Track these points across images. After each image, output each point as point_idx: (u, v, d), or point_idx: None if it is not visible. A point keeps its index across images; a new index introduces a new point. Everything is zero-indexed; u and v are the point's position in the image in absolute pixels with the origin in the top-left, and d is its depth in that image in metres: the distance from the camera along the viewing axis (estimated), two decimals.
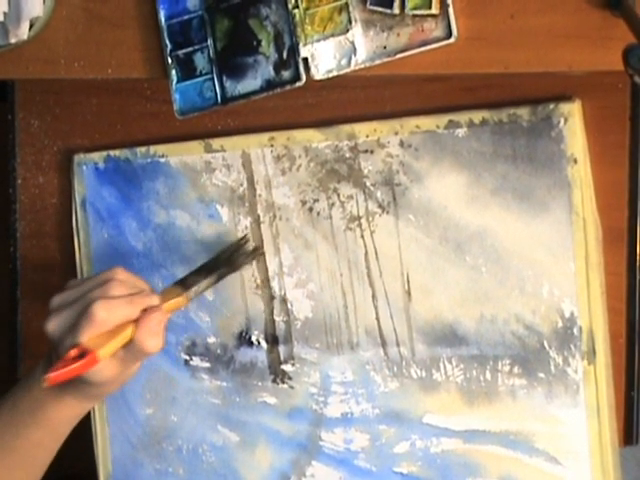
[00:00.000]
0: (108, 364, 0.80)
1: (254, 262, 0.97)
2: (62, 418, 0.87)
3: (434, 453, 0.93)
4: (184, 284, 0.87)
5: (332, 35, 0.89)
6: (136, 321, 0.80)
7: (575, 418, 0.87)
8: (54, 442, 0.90)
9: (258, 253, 0.96)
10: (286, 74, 0.91)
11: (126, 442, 1.05)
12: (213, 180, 0.98)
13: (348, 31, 0.89)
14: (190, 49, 0.94)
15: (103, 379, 0.80)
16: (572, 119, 0.85)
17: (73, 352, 0.77)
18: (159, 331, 0.81)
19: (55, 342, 0.80)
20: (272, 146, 0.95)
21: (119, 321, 0.80)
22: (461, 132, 0.89)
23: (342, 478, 0.96)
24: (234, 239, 0.96)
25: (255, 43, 0.92)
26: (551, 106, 0.86)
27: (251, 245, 0.95)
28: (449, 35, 0.86)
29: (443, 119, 0.89)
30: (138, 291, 0.82)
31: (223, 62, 0.93)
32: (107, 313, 0.79)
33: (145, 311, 0.81)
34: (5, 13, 0.94)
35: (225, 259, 0.92)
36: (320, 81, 0.90)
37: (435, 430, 0.92)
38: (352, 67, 0.89)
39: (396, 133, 0.91)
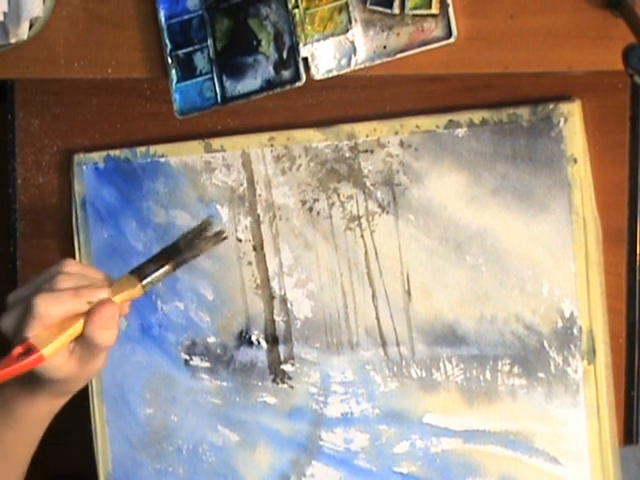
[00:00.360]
0: (65, 361, 0.78)
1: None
2: (34, 415, 0.86)
3: (434, 453, 0.93)
4: (140, 273, 0.82)
5: (332, 35, 0.89)
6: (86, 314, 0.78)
7: (575, 418, 0.87)
8: (30, 439, 0.89)
9: (220, 238, 0.87)
10: (286, 74, 0.91)
11: (126, 442, 1.05)
12: (213, 180, 0.98)
13: (348, 31, 0.89)
14: (190, 49, 0.95)
15: (63, 375, 0.79)
16: (572, 119, 0.85)
17: (18, 350, 0.76)
18: (111, 324, 0.79)
19: (9, 339, 0.79)
20: (272, 146, 0.95)
21: (63, 315, 0.77)
22: (461, 132, 0.89)
23: (342, 478, 0.96)
24: (195, 224, 0.88)
25: (255, 43, 0.92)
26: (551, 106, 0.86)
27: (213, 229, 0.87)
28: (449, 35, 0.86)
29: (443, 119, 0.89)
30: (88, 283, 0.80)
31: (223, 62, 0.93)
32: (48, 307, 0.76)
33: (95, 304, 0.78)
34: (5, 13, 0.94)
35: (185, 245, 0.85)
36: (320, 81, 0.90)
37: (435, 430, 0.92)
38: (352, 67, 0.89)
39: (396, 133, 0.91)
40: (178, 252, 0.84)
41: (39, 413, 0.87)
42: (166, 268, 0.82)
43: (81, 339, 0.78)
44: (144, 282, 0.81)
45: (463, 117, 0.89)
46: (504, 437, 0.90)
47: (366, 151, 0.92)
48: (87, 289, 0.79)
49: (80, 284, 0.79)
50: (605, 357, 0.87)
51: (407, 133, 0.91)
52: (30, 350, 0.76)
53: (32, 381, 0.82)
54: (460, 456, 0.92)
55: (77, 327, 0.78)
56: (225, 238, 0.87)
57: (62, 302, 0.77)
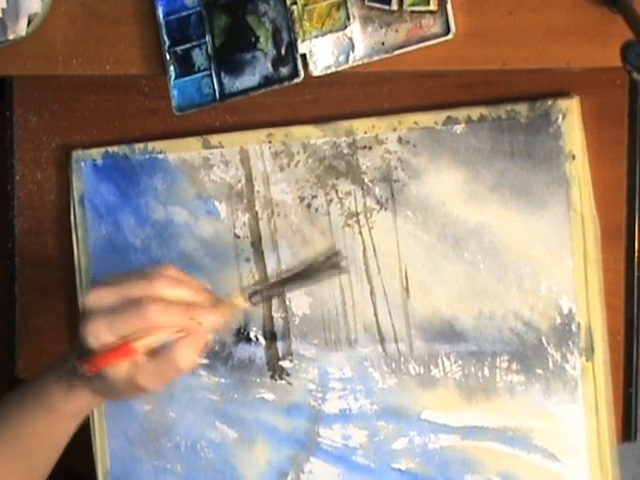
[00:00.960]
0: (125, 366, 0.77)
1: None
2: (70, 410, 0.85)
3: (432, 449, 0.93)
4: (249, 291, 0.81)
5: (330, 31, 0.89)
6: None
7: (573, 415, 0.87)
8: (58, 436, 0.89)
9: (337, 271, 0.84)
10: (284, 70, 0.91)
11: (124, 438, 1.05)
12: (211, 176, 0.98)
13: (346, 27, 0.89)
14: (188, 45, 0.94)
15: (116, 377, 0.77)
16: (570, 115, 0.85)
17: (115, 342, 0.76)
18: (200, 347, 0.78)
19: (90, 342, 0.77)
20: (270, 142, 0.95)
21: (169, 327, 0.76)
22: (459, 128, 0.89)
23: (340, 474, 0.96)
24: (327, 252, 0.89)
25: (253, 39, 0.92)
26: (549, 102, 0.86)
27: (338, 261, 0.84)
28: (447, 31, 0.86)
29: (441, 115, 0.89)
30: (194, 296, 0.79)
31: (221, 58, 0.93)
32: (158, 314, 0.75)
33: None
34: (3, 9, 0.94)
35: (305, 272, 0.83)
36: (318, 77, 0.90)
37: (433, 426, 0.93)
38: (350, 63, 0.89)
39: (394, 129, 0.91)
40: (297, 278, 0.83)
41: (75, 408, 0.86)
42: (276, 290, 0.82)
43: (159, 356, 0.77)
44: (253, 299, 0.80)
45: (461, 113, 0.89)
46: (502, 433, 0.90)
47: (364, 147, 0.92)
48: (198, 310, 0.78)
49: (188, 297, 0.78)
50: (603, 354, 0.87)
51: (405, 129, 0.91)
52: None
53: (76, 374, 0.82)
54: (458, 452, 0.92)
55: (170, 336, 0.77)
56: (345, 272, 0.90)
57: (171, 314, 0.76)
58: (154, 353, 0.78)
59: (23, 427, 0.87)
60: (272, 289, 0.82)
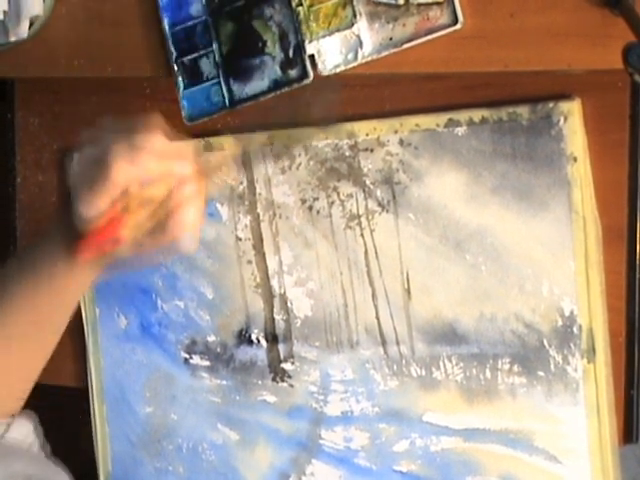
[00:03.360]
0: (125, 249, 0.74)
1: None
2: (72, 284, 0.82)
3: (434, 452, 0.93)
4: None
5: (337, 30, 0.89)
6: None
7: (575, 416, 0.88)
8: (65, 308, 0.85)
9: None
10: (293, 72, 0.91)
11: (126, 440, 1.05)
12: (213, 179, 0.98)
13: (353, 25, 0.88)
14: (195, 55, 0.94)
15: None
16: (572, 118, 0.85)
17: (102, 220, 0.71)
18: (197, 227, 0.74)
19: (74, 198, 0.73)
20: (272, 145, 0.95)
21: (143, 180, 0.71)
22: (461, 131, 0.89)
23: (342, 477, 0.96)
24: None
25: (260, 44, 0.91)
26: (551, 105, 0.86)
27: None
28: (455, 21, 0.85)
29: (443, 118, 0.89)
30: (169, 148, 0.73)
31: (229, 65, 0.93)
32: (126, 174, 0.70)
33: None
34: (5, 12, 0.94)
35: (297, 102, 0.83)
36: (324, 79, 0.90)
37: (435, 429, 0.93)
38: (359, 60, 0.89)
39: (396, 132, 0.91)
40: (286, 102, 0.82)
41: (76, 282, 0.82)
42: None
43: (161, 228, 0.73)
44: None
45: (463, 116, 0.89)
46: (504, 436, 0.90)
47: (366, 150, 0.92)
48: (170, 154, 0.72)
49: (166, 160, 0.73)
50: (605, 355, 0.87)
51: (407, 132, 0.91)
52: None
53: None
54: (460, 455, 0.92)
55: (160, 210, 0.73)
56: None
57: (139, 169, 0.71)
58: (152, 234, 0.74)
59: (25, 306, 0.83)
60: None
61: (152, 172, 0.72)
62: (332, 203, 0.94)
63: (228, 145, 0.76)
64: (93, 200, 0.72)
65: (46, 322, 0.86)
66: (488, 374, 0.90)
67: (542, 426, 0.89)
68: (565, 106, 0.85)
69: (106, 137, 0.73)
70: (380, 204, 0.92)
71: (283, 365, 0.97)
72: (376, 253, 0.93)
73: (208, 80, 0.94)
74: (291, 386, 0.97)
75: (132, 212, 0.73)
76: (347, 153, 0.93)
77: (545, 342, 0.88)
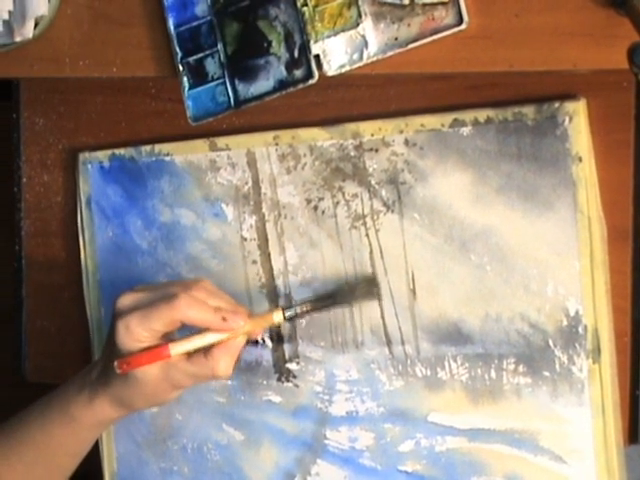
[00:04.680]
0: (161, 371, 0.79)
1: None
2: (90, 420, 0.86)
3: (439, 452, 0.93)
4: (285, 306, 0.85)
5: (342, 30, 0.89)
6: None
7: (580, 417, 0.87)
8: (76, 445, 0.89)
9: (375, 297, 0.91)
10: (298, 73, 0.91)
11: (131, 441, 1.05)
12: (218, 179, 0.98)
13: (358, 25, 0.88)
14: (201, 55, 0.94)
15: (145, 378, 0.79)
16: (577, 118, 0.85)
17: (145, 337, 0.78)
18: (236, 354, 0.80)
19: (122, 340, 0.79)
20: (277, 145, 0.95)
21: (198, 321, 0.78)
22: (466, 131, 0.89)
23: (347, 477, 0.96)
24: (363, 277, 0.93)
25: (266, 44, 0.91)
26: (556, 105, 0.86)
27: (374, 287, 0.91)
28: (460, 21, 0.85)
29: (448, 118, 0.89)
30: (226, 305, 0.81)
31: (234, 66, 0.93)
32: (189, 307, 0.77)
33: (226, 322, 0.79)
34: (10, 12, 0.94)
35: (341, 293, 0.89)
36: (328, 79, 0.90)
37: (440, 429, 0.92)
38: (364, 61, 0.89)
39: (401, 132, 0.91)
40: (331, 299, 0.87)
41: (96, 418, 0.86)
42: (310, 306, 0.86)
43: (196, 359, 0.79)
44: (287, 313, 0.84)
45: (468, 116, 0.89)
46: (509, 436, 0.90)
47: (371, 150, 0.92)
48: (228, 310, 0.80)
49: (222, 305, 0.81)
50: (610, 356, 0.87)
51: (412, 132, 0.91)
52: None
53: (100, 383, 0.83)
54: (465, 455, 0.92)
55: (204, 340, 0.80)
56: (379, 298, 0.92)
57: (202, 310, 0.78)
58: (190, 355, 0.80)
59: (42, 434, 0.88)
60: (307, 308, 0.85)
61: (210, 316, 0.79)
62: (337, 203, 0.94)
63: (271, 311, 0.85)
64: (148, 322, 0.78)
65: (58, 452, 0.90)
66: (493, 374, 0.90)
67: (547, 426, 0.89)
68: (570, 106, 0.85)
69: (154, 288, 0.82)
70: (385, 204, 0.92)
71: (288, 365, 0.97)
72: (381, 253, 0.93)
73: (213, 80, 0.94)
74: (296, 386, 0.97)
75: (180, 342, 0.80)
76: (352, 153, 0.93)
77: (550, 342, 0.88)
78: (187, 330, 0.81)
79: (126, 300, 0.80)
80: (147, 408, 0.87)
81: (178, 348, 0.79)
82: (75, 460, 0.92)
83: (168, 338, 0.81)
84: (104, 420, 0.87)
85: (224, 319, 0.79)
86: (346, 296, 0.88)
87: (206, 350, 0.80)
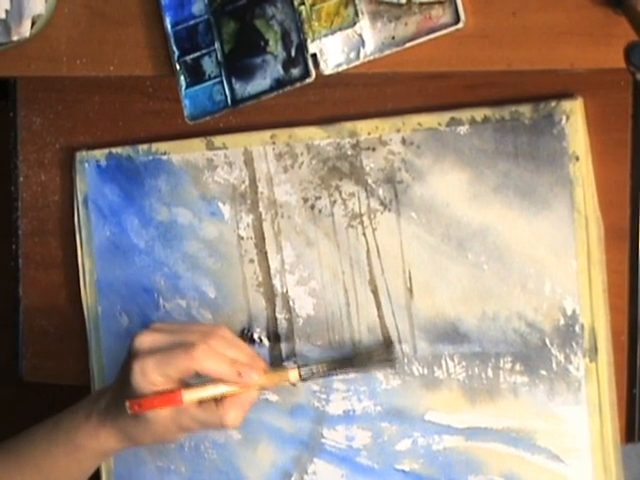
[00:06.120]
0: (171, 414, 0.80)
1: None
2: (94, 449, 0.87)
3: (436, 450, 0.93)
4: (301, 366, 0.86)
5: (340, 29, 0.89)
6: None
7: (577, 415, 0.87)
8: (79, 473, 0.90)
9: (393, 364, 0.92)
10: (295, 72, 0.91)
11: None
12: (215, 177, 0.98)
13: (355, 24, 0.88)
14: (198, 54, 0.94)
15: (155, 419, 0.80)
16: (574, 116, 0.85)
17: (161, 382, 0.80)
18: (247, 407, 0.82)
19: (138, 379, 0.80)
20: (274, 143, 0.95)
21: (213, 374, 0.80)
22: (463, 130, 0.89)
23: (344, 475, 0.96)
24: (381, 343, 0.93)
25: (263, 43, 0.91)
26: (553, 104, 0.86)
27: (391, 353, 0.92)
28: (457, 20, 0.85)
29: (445, 117, 0.89)
30: (244, 357, 0.82)
31: (231, 64, 0.93)
32: (206, 357, 0.78)
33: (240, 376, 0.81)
34: (7, 11, 0.94)
35: (358, 358, 0.90)
36: (325, 78, 0.90)
37: (437, 427, 0.93)
38: (361, 59, 0.89)
39: (398, 130, 0.91)
40: (348, 362, 0.89)
41: (101, 448, 0.87)
42: (327, 367, 0.87)
43: (207, 406, 0.81)
44: (303, 373, 0.85)
45: (465, 115, 0.89)
46: (506, 435, 0.90)
47: (368, 149, 0.92)
48: (244, 364, 0.81)
49: (239, 357, 0.82)
50: (607, 355, 0.87)
51: (409, 131, 0.91)
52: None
53: (109, 414, 0.84)
54: (462, 453, 0.92)
55: (217, 391, 0.81)
56: (396, 364, 0.92)
57: (219, 362, 0.79)
58: (202, 402, 0.81)
59: (45, 458, 0.88)
60: (323, 370, 0.87)
61: (225, 369, 0.80)
62: (334, 202, 0.94)
63: (287, 370, 0.87)
64: (165, 368, 0.79)
65: (60, 477, 0.90)
66: (490, 373, 0.90)
67: (544, 425, 0.89)
68: (567, 105, 0.85)
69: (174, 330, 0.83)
70: (382, 203, 0.92)
71: (285, 364, 0.97)
72: (378, 252, 0.93)
73: (210, 79, 0.94)
74: (293, 385, 0.97)
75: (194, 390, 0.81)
76: (349, 152, 0.93)
77: (547, 341, 0.88)
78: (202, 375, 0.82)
79: (145, 341, 0.82)
80: (152, 444, 0.88)
81: (190, 395, 0.80)
82: None
83: (183, 382, 0.82)
84: (108, 450, 0.89)
85: (239, 374, 0.80)
86: (364, 361, 0.90)
87: (218, 399, 0.81)
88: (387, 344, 0.91)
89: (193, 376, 0.82)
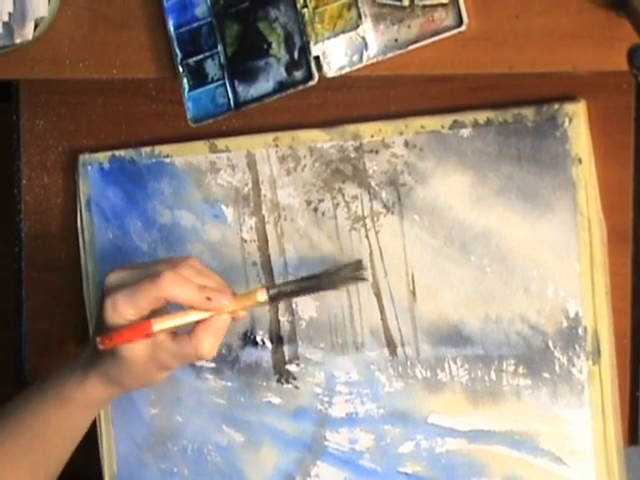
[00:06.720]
0: (145, 349, 0.80)
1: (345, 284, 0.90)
2: (83, 400, 0.87)
3: (439, 453, 0.93)
4: (269, 286, 0.84)
5: (342, 32, 0.89)
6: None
7: (580, 418, 0.87)
8: (72, 427, 0.90)
9: (360, 278, 0.88)
10: (298, 74, 0.91)
11: (131, 442, 1.05)
12: (218, 180, 0.98)
13: (358, 27, 0.88)
14: (201, 56, 0.94)
15: (132, 356, 0.80)
16: (577, 119, 0.85)
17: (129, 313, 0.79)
18: (220, 334, 0.81)
19: (110, 312, 0.79)
20: (277, 146, 0.95)
21: (181, 300, 0.78)
22: (466, 132, 0.89)
23: (347, 478, 0.96)
24: (350, 260, 0.90)
25: (265, 46, 0.92)
26: (556, 106, 0.86)
27: (359, 271, 0.88)
28: (460, 23, 0.85)
29: (448, 119, 0.89)
30: (212, 283, 0.82)
31: (234, 67, 0.93)
32: (173, 284, 0.77)
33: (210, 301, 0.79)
34: (10, 13, 0.94)
35: (326, 276, 0.86)
36: (328, 80, 0.90)
37: (440, 430, 0.92)
38: (364, 62, 0.89)
39: (401, 133, 0.91)
40: (316, 280, 0.85)
41: (89, 398, 0.87)
42: (294, 286, 0.84)
43: (181, 339, 0.80)
44: (271, 292, 0.83)
45: (468, 117, 0.89)
46: (509, 437, 0.90)
47: (371, 151, 0.92)
48: (212, 289, 0.80)
49: (208, 284, 0.81)
50: (610, 357, 0.87)
51: (412, 133, 0.91)
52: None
53: (91, 362, 0.84)
54: (465, 456, 0.92)
55: (187, 318, 0.80)
56: (364, 280, 0.89)
57: (187, 288, 0.78)
58: (175, 335, 0.80)
59: (37, 417, 0.88)
60: (291, 288, 0.84)
61: (194, 294, 0.79)
62: (337, 205, 0.94)
63: (255, 291, 0.84)
64: (134, 300, 0.78)
65: (53, 436, 0.90)
66: (493, 376, 0.90)
67: (547, 428, 0.89)
68: (570, 108, 0.85)
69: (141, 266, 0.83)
70: (385, 206, 0.92)
71: (288, 367, 0.97)
72: (381, 255, 0.93)
73: (213, 82, 0.94)
74: (296, 388, 0.97)
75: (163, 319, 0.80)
76: (352, 155, 0.93)
77: (550, 344, 0.88)
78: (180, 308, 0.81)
79: (114, 277, 0.81)
80: (138, 387, 0.87)
81: (160, 325, 0.79)
82: (70, 445, 0.92)
83: (157, 315, 0.81)
84: (96, 399, 0.88)
85: (208, 298, 0.79)
86: (332, 278, 0.86)
87: (190, 330, 0.80)
88: (356, 262, 0.89)
89: (167, 307, 0.81)
